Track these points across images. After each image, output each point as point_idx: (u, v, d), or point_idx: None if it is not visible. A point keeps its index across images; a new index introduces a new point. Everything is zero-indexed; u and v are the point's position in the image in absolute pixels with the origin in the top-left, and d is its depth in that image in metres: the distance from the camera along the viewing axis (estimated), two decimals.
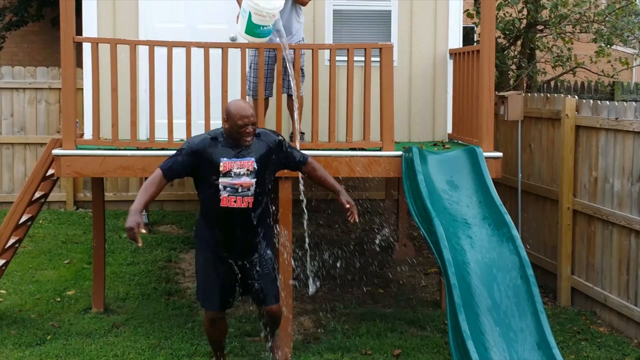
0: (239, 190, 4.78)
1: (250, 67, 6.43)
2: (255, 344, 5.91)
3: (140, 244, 4.52)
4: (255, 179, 4.81)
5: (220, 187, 4.78)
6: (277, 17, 5.93)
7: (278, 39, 6.11)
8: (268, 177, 4.94)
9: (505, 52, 10.83)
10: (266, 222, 5.04)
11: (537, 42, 10.99)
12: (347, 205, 5.04)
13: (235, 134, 4.78)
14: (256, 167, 4.81)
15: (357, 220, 5.01)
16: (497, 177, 6.17)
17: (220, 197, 4.78)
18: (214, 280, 4.96)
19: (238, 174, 4.78)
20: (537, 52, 11.29)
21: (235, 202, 4.78)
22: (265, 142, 4.91)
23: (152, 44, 6.04)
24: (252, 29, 5.96)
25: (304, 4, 6.56)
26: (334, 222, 10.12)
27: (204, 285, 5.01)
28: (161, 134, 6.15)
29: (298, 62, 6.11)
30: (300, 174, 5.41)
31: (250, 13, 5.88)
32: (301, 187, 5.78)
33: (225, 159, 4.78)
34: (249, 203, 4.81)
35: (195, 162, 4.80)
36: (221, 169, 4.76)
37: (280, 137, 5.04)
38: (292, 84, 6.13)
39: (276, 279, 5.09)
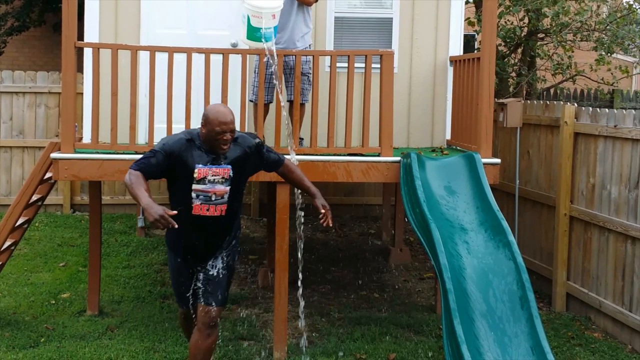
0: (212, 199, 4.52)
1: (255, 72, 6.45)
2: (250, 348, 5.91)
3: (176, 226, 4.16)
4: (230, 186, 4.57)
5: (193, 195, 4.50)
6: (276, 18, 5.92)
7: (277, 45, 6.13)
8: (243, 182, 4.71)
9: (506, 59, 10.86)
10: (236, 227, 4.81)
11: (538, 50, 11.01)
12: (322, 210, 4.81)
13: (212, 141, 4.47)
14: (232, 175, 4.56)
15: (331, 224, 4.81)
16: (495, 183, 6.18)
17: (192, 205, 4.52)
18: (182, 281, 4.80)
19: (212, 181, 4.51)
20: (538, 60, 11.32)
21: (208, 210, 4.53)
22: (242, 146, 4.62)
23: (153, 50, 6.05)
24: (253, 32, 5.97)
25: (310, 4, 6.55)
26: (330, 227, 10.12)
27: (175, 285, 4.91)
28: (160, 139, 6.15)
29: (299, 67, 6.10)
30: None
31: (248, 17, 5.90)
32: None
33: (200, 165, 4.48)
34: (222, 211, 4.57)
35: (169, 164, 4.48)
36: (195, 175, 4.48)
37: (258, 140, 4.75)
38: (301, 89, 6.16)
39: (227, 286, 4.75)
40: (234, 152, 4.58)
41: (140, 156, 4.63)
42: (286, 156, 5.84)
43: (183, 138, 4.53)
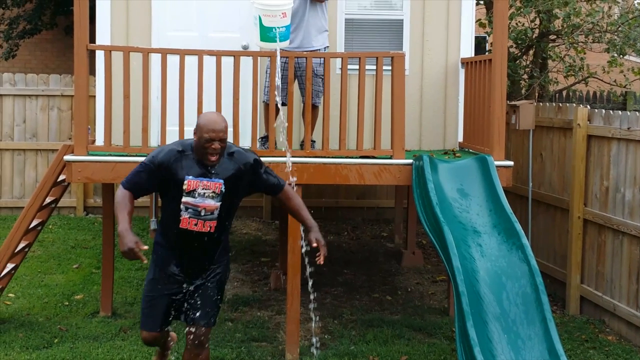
0: (202, 214, 4.33)
1: (266, 72, 6.45)
2: (262, 349, 5.91)
3: (145, 261, 4.20)
4: (221, 202, 4.36)
5: (182, 207, 4.33)
6: (287, 17, 5.91)
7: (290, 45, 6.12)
8: (236, 200, 4.49)
9: (517, 61, 10.82)
10: (225, 244, 4.60)
11: (550, 51, 10.97)
12: (315, 244, 4.43)
13: (200, 149, 4.30)
14: (223, 190, 4.35)
15: (322, 262, 4.41)
16: (508, 186, 6.15)
17: (181, 218, 4.34)
18: (159, 299, 4.47)
19: (202, 195, 4.33)
20: (550, 61, 11.27)
21: (196, 225, 4.34)
22: (237, 163, 4.41)
23: (164, 52, 6.07)
24: (265, 33, 5.95)
25: (322, 1, 6.50)
26: (343, 230, 10.12)
27: (149, 302, 4.51)
28: (172, 141, 6.16)
29: (309, 69, 6.09)
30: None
31: (260, 17, 5.89)
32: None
33: (190, 177, 4.31)
34: (210, 227, 4.37)
35: (160, 177, 4.34)
36: (185, 187, 4.31)
37: (256, 158, 4.52)
38: (316, 91, 6.14)
39: (218, 305, 4.59)
40: (228, 167, 4.39)
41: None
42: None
43: (174, 149, 4.39)
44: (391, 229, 10.06)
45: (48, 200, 6.50)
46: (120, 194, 4.34)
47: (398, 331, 6.37)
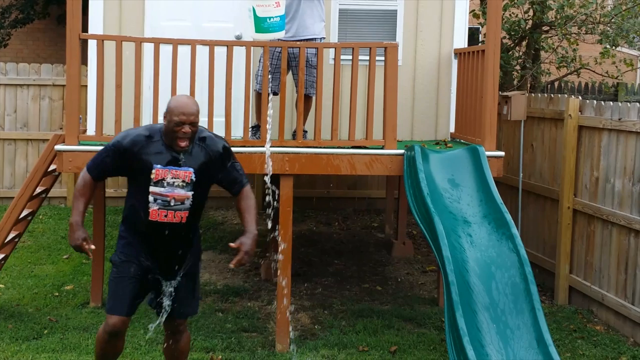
0: (171, 204, 4.13)
1: (259, 62, 6.44)
2: (252, 340, 5.92)
3: (91, 257, 4.19)
4: (193, 192, 4.18)
5: (150, 198, 4.13)
6: (280, 6, 5.90)
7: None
8: (207, 188, 4.30)
9: (510, 52, 10.83)
10: (197, 234, 4.44)
11: (542, 42, 10.99)
12: (236, 246, 4.13)
13: (170, 133, 4.10)
14: (194, 179, 4.17)
15: (232, 266, 4.14)
16: (499, 176, 6.18)
17: (149, 210, 4.14)
18: (131, 279, 4.28)
19: (171, 184, 4.13)
20: (542, 52, 11.29)
21: (166, 216, 4.15)
22: (208, 149, 4.22)
23: (157, 42, 6.05)
24: (260, 24, 5.94)
25: None
26: (334, 220, 10.14)
27: (118, 283, 4.29)
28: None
29: (303, 59, 6.08)
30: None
31: (253, 8, 5.88)
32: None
33: (158, 165, 4.11)
34: (182, 218, 4.18)
35: (124, 162, 4.16)
36: (152, 176, 4.11)
37: (226, 145, 4.30)
38: (310, 82, 6.14)
39: (195, 296, 4.48)
40: (198, 154, 4.20)
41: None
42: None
43: (142, 134, 4.18)
44: (382, 219, 10.08)
45: (38, 190, 6.49)
46: (82, 181, 4.22)
47: (388, 321, 6.39)
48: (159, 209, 4.15)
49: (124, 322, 4.29)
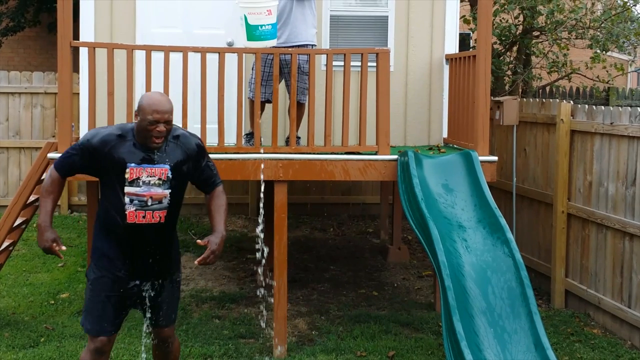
0: (149, 203, 3.99)
1: (252, 69, 6.44)
2: (250, 346, 5.91)
3: (62, 258, 4.14)
4: (170, 190, 4.04)
5: (126, 199, 3.97)
6: (272, 14, 5.91)
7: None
8: (183, 186, 4.18)
9: (501, 57, 10.89)
10: (175, 237, 4.29)
11: (533, 48, 11.04)
12: (203, 243, 4.03)
13: (143, 131, 3.94)
14: (170, 176, 4.03)
15: (197, 263, 4.04)
16: (492, 181, 6.19)
17: (126, 212, 3.98)
18: (110, 300, 4.11)
19: (147, 183, 3.98)
20: (533, 57, 11.35)
21: (144, 217, 3.99)
22: (183, 147, 4.10)
23: (149, 49, 6.04)
24: (252, 32, 5.96)
25: None
26: (328, 226, 10.14)
27: (97, 305, 4.10)
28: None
29: (294, 66, 6.09)
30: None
31: (245, 16, 5.89)
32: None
33: (132, 164, 3.96)
34: (160, 218, 4.03)
35: (93, 162, 4.00)
36: (127, 175, 3.96)
37: (199, 143, 4.18)
38: (302, 88, 6.14)
39: (178, 301, 4.38)
40: (174, 150, 4.06)
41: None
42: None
43: (113, 133, 4.00)
44: (377, 224, 10.09)
45: (32, 198, 6.46)
46: (49, 178, 4.08)
47: (385, 326, 6.39)
48: (136, 210, 3.99)
49: (110, 341, 4.17)
